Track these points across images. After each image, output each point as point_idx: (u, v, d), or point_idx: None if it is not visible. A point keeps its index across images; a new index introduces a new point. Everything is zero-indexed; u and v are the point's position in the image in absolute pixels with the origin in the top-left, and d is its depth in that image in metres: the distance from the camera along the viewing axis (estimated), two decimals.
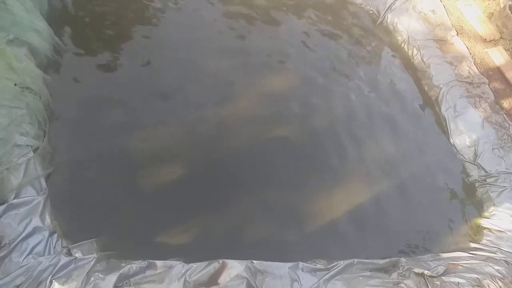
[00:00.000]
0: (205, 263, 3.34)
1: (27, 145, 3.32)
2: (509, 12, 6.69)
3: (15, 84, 3.43)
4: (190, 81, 4.63)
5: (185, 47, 4.93)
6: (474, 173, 5.40)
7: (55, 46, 4.17)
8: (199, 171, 4.03)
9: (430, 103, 6.08)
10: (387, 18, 6.76)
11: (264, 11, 5.88)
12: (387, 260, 4.05)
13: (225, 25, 5.43)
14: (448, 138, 5.73)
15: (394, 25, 6.68)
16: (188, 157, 4.07)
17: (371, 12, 6.81)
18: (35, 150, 3.36)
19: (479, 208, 5.13)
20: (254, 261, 3.48)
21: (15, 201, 3.02)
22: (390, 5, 6.73)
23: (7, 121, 3.25)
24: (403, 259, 4.11)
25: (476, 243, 4.78)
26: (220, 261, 3.36)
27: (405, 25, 6.62)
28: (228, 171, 4.16)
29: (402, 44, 6.59)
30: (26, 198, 3.10)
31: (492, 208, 5.05)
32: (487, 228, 4.90)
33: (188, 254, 3.43)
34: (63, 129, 3.77)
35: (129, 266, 3.12)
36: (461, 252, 4.56)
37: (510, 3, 6.87)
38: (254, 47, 5.37)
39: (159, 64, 4.62)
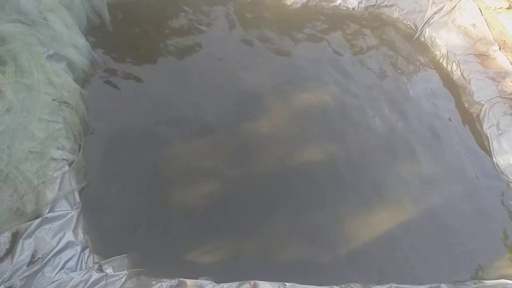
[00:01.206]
0: (236, 283, 3.25)
1: (63, 159, 3.35)
2: None
3: (54, 99, 3.48)
4: (225, 98, 4.61)
5: (221, 65, 4.93)
6: None
7: (92, 62, 4.24)
8: (230, 189, 3.96)
9: (471, 120, 5.81)
10: (425, 32, 6.57)
11: (297, 28, 5.82)
12: (427, 286, 3.84)
13: (258, 43, 5.41)
14: (491, 157, 5.44)
15: (433, 39, 6.48)
16: (220, 175, 4.01)
17: (408, 26, 6.64)
18: (70, 164, 3.39)
19: None
20: (287, 284, 3.36)
21: (49, 215, 3.03)
22: (428, 19, 6.54)
23: (45, 135, 3.30)
24: (444, 285, 3.88)
25: None
26: (252, 282, 3.26)
27: (444, 39, 6.41)
28: (260, 190, 4.07)
29: (441, 60, 6.37)
30: (60, 212, 3.11)
31: None
32: None
33: (219, 274, 3.35)
34: (97, 144, 3.79)
35: (159, 284, 3.07)
36: (505, 280, 4.27)
37: None
38: (287, 64, 5.31)
39: (194, 81, 4.62)
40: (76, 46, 4.02)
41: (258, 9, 5.70)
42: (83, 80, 4.08)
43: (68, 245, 2.99)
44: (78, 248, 3.03)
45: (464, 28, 6.54)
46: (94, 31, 4.55)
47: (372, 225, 4.21)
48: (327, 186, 4.36)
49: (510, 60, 6.31)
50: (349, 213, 4.22)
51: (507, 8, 7.02)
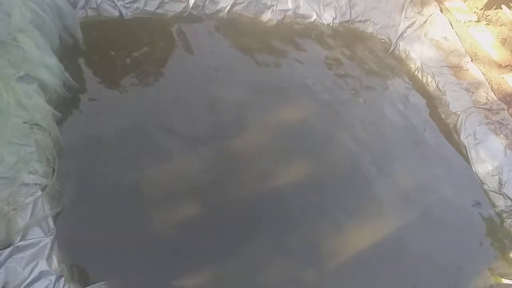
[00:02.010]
0: None
1: (35, 184, 3.18)
2: None
3: (25, 122, 3.34)
4: (204, 115, 4.54)
5: (196, 81, 4.86)
6: (501, 203, 5.16)
7: (65, 82, 4.10)
8: (211, 210, 3.85)
9: (448, 130, 5.90)
10: (399, 46, 6.70)
11: (273, 44, 5.84)
12: None
13: (235, 59, 5.39)
14: (470, 167, 5.51)
15: (407, 53, 6.61)
16: (201, 196, 3.90)
17: (382, 41, 6.77)
18: (43, 189, 3.23)
19: (509, 240, 4.84)
20: None
21: (21, 243, 2.85)
22: (402, 33, 6.69)
23: (15, 159, 3.14)
24: None
25: (508, 278, 4.47)
26: None
27: (418, 52, 6.55)
28: (242, 210, 3.97)
29: (416, 72, 6.49)
30: (32, 240, 2.94)
31: None
32: None
33: None
34: (72, 166, 3.65)
35: None
36: None
37: None
38: (267, 80, 5.30)
39: (171, 99, 4.54)
40: (48, 66, 3.88)
41: (235, 27, 5.69)
42: (56, 102, 3.93)
43: (41, 275, 2.81)
44: (53, 278, 2.85)
45: (436, 41, 6.69)
46: (67, 51, 4.42)
47: (356, 241, 4.17)
48: (310, 204, 4.30)
49: (482, 71, 6.47)
50: (333, 230, 4.17)
51: (476, 21, 7.25)
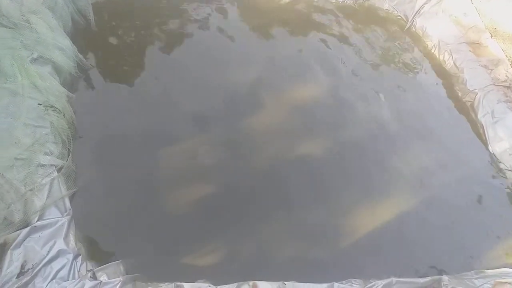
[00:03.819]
0: (235, 284, 3.17)
1: (51, 165, 3.24)
2: None
3: (39, 104, 3.38)
4: (216, 96, 4.53)
5: (209, 64, 4.83)
6: None
7: (79, 64, 4.13)
8: (226, 189, 3.88)
9: (465, 109, 5.77)
10: (416, 23, 6.52)
11: (287, 22, 5.74)
12: (429, 278, 3.77)
13: (249, 38, 5.32)
14: (487, 146, 5.40)
15: (424, 29, 6.43)
16: (215, 175, 3.93)
17: (399, 17, 6.58)
18: (59, 170, 3.29)
19: None
20: (286, 282, 3.28)
21: (38, 223, 2.93)
22: (419, 9, 6.49)
23: (31, 141, 3.19)
24: (445, 277, 3.81)
25: None
26: (251, 282, 3.19)
27: (435, 29, 6.37)
28: (256, 189, 4.00)
29: (433, 49, 6.33)
30: (50, 219, 3.01)
31: None
32: None
33: (217, 276, 3.26)
34: (87, 148, 3.70)
35: None
36: (508, 269, 4.22)
37: None
38: (281, 59, 5.23)
39: (183, 80, 4.53)
40: (61, 48, 3.90)
41: (249, 4, 5.60)
42: (70, 83, 3.97)
43: (59, 254, 2.89)
44: (70, 256, 2.93)
45: (455, 17, 6.49)
46: (80, 33, 4.43)
47: (372, 219, 4.15)
48: (324, 182, 4.29)
49: (502, 48, 6.27)
50: (348, 208, 4.16)
51: None
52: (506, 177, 5.16)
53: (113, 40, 4.62)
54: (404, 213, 4.34)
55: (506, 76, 5.84)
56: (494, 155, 5.35)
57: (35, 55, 3.66)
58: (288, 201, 4.02)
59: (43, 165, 3.18)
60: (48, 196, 3.09)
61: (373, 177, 4.50)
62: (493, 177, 5.17)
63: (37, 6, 3.88)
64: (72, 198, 3.33)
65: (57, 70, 3.85)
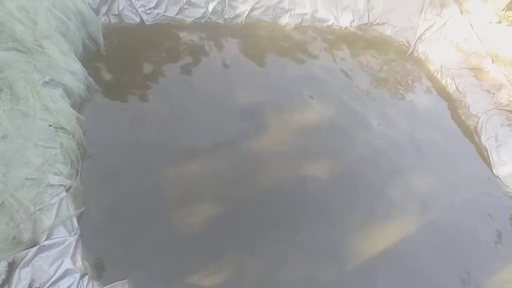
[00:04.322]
0: None
1: (60, 185, 3.29)
2: None
3: (50, 125, 3.46)
4: (224, 117, 4.62)
5: (216, 84, 4.94)
6: None
7: (89, 86, 4.24)
8: (231, 209, 3.91)
9: (469, 132, 5.82)
10: (418, 48, 6.66)
11: (291, 47, 5.88)
12: None
13: (254, 62, 5.45)
14: (491, 168, 5.42)
15: (426, 55, 6.56)
16: (221, 196, 3.97)
17: (401, 43, 6.72)
18: (67, 190, 3.34)
19: None
20: None
21: (46, 242, 2.96)
22: (420, 35, 6.64)
23: (41, 161, 3.26)
24: None
25: None
26: None
27: (437, 54, 6.50)
28: (263, 209, 4.03)
29: (435, 74, 6.43)
30: (58, 239, 3.04)
31: None
32: None
33: None
34: (95, 168, 3.75)
35: None
36: None
37: None
38: (284, 82, 5.34)
39: (191, 103, 4.63)
40: (72, 72, 4.01)
41: (253, 31, 5.76)
42: (79, 105, 4.06)
43: (66, 273, 2.91)
44: (77, 276, 2.94)
45: (456, 43, 6.62)
46: (90, 56, 4.56)
47: (377, 240, 4.15)
48: (329, 203, 4.32)
49: (504, 73, 6.36)
50: (353, 229, 4.17)
51: (497, 22, 7.13)
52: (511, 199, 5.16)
53: (121, 64, 4.74)
54: (410, 236, 4.34)
55: (509, 100, 5.91)
56: (499, 178, 5.36)
57: (47, 78, 3.76)
58: (294, 221, 4.04)
59: (52, 185, 3.23)
60: (56, 216, 3.13)
61: (377, 201, 4.52)
62: (499, 199, 5.17)
63: (50, 32, 4.01)
64: (79, 217, 3.36)
65: (68, 92, 3.95)
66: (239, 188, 4.08)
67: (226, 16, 5.64)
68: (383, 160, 4.93)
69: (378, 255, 4.06)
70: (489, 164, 5.46)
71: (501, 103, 5.88)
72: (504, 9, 7.29)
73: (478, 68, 6.37)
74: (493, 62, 6.48)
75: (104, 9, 4.91)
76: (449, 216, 4.72)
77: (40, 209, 3.07)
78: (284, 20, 6.02)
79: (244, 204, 3.98)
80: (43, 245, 2.93)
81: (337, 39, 6.31)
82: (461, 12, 6.98)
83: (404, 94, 5.96)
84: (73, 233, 3.18)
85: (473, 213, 4.91)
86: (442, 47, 6.56)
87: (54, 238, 3.03)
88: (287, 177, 4.36)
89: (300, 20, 6.10)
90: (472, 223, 4.81)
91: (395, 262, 4.11)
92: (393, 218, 4.42)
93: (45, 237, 2.99)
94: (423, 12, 6.84)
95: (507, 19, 7.24)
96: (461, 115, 6.00)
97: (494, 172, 5.41)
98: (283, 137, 4.71)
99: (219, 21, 5.63)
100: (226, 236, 3.71)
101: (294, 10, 6.00)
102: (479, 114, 5.77)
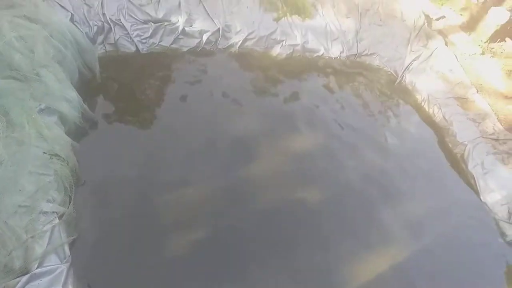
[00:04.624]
0: None
1: (53, 212, 3.30)
2: None
3: (44, 152, 3.49)
4: (216, 145, 4.69)
5: (210, 112, 5.04)
6: (510, 233, 5.11)
7: (84, 114, 4.30)
8: (223, 235, 3.94)
9: (456, 160, 5.94)
10: (406, 78, 6.85)
11: (282, 77, 6.04)
12: None
13: (247, 91, 5.58)
14: (479, 196, 5.52)
15: (413, 84, 6.75)
16: (214, 222, 3.99)
17: (389, 73, 6.93)
18: (60, 217, 3.34)
19: None
20: None
21: (38, 270, 2.94)
22: (408, 66, 6.86)
23: (35, 188, 3.27)
24: None
25: None
26: None
27: (424, 84, 6.69)
28: (255, 236, 4.05)
29: (422, 103, 6.61)
30: (49, 267, 3.02)
31: None
32: None
33: None
34: (88, 195, 3.77)
35: None
36: None
37: None
38: (276, 110, 5.45)
39: (184, 132, 4.71)
40: (68, 99, 4.08)
41: (246, 61, 5.91)
42: (74, 133, 4.11)
43: None
44: None
45: (442, 73, 6.83)
46: (86, 84, 4.64)
47: (370, 266, 4.17)
48: (321, 230, 4.35)
49: (488, 102, 6.56)
50: (347, 255, 4.19)
51: (480, 54, 7.40)
52: (499, 227, 5.24)
53: (116, 92, 4.83)
54: (401, 263, 4.36)
55: (493, 129, 6.08)
56: (487, 204, 5.45)
57: (42, 106, 3.82)
58: (286, 248, 4.06)
59: (45, 212, 3.24)
60: (48, 243, 3.12)
61: (363, 229, 4.56)
62: (487, 226, 5.24)
63: (47, 61, 4.08)
64: (72, 245, 3.35)
65: (63, 120, 4.00)
66: (232, 216, 4.10)
67: (220, 46, 5.80)
68: (373, 187, 5.00)
69: (374, 281, 4.08)
70: (476, 192, 5.55)
71: (487, 132, 6.04)
72: (487, 41, 7.59)
73: (463, 98, 6.56)
74: (477, 92, 6.69)
75: (100, 38, 5.04)
76: (440, 243, 4.76)
77: (32, 237, 3.07)
78: (276, 50, 6.20)
79: (236, 232, 4.00)
80: (35, 273, 2.92)
81: (327, 69, 6.48)
82: (446, 44, 7.24)
83: (393, 122, 6.10)
84: (64, 260, 3.16)
85: (464, 241, 4.95)
86: (429, 77, 6.77)
87: (46, 266, 3.01)
88: (279, 203, 4.40)
89: (291, 51, 6.28)
90: (463, 251, 4.85)
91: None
92: (385, 245, 4.45)
93: (36, 265, 2.98)
94: (410, 43, 7.08)
95: (490, 51, 7.53)
96: (449, 143, 6.14)
97: (482, 199, 5.49)
98: (275, 164, 4.77)
99: (213, 51, 5.79)
100: (219, 264, 3.71)
101: (286, 41, 6.20)
102: (466, 143, 5.91)
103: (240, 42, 5.89)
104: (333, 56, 6.60)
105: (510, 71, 7.17)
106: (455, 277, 4.52)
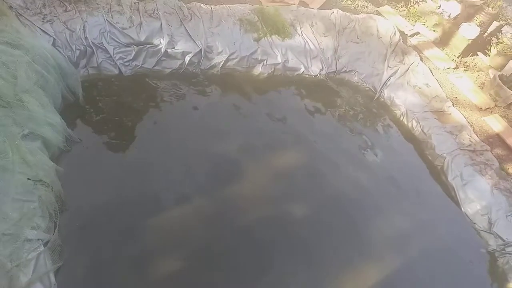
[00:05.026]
0: None
1: (38, 239, 3.26)
2: (499, 81, 6.98)
3: (29, 179, 3.46)
4: (200, 167, 4.72)
5: (193, 134, 5.08)
6: (492, 242, 5.25)
7: (68, 138, 4.28)
8: (209, 256, 3.96)
9: (436, 172, 6.10)
10: (384, 93, 7.02)
11: (264, 96, 6.15)
12: None
13: (230, 111, 5.65)
14: (459, 207, 5.66)
15: (392, 99, 6.92)
16: (201, 243, 4.01)
17: (367, 89, 7.10)
18: (45, 244, 3.30)
19: (503, 279, 4.91)
20: None
21: None
22: (385, 81, 7.04)
23: (19, 215, 3.23)
24: None
25: None
26: None
27: (402, 99, 6.87)
28: (242, 257, 4.08)
29: (401, 118, 6.78)
30: None
31: None
32: None
33: None
34: (73, 221, 3.73)
35: None
36: None
37: (499, 73, 7.19)
38: (259, 128, 5.53)
39: (169, 153, 4.73)
40: (51, 124, 4.07)
41: (228, 81, 6.00)
42: (58, 157, 4.09)
43: None
44: None
45: (419, 87, 7.04)
46: (69, 108, 4.64)
47: (354, 283, 4.22)
48: (308, 248, 4.40)
49: (464, 115, 6.78)
50: (333, 272, 4.24)
51: (454, 68, 7.67)
52: (481, 237, 5.37)
53: (100, 115, 4.82)
54: (384, 277, 4.43)
55: (470, 141, 6.27)
56: (467, 215, 5.59)
57: (26, 131, 3.79)
58: (273, 268, 4.09)
59: (29, 240, 3.20)
60: (33, 271, 3.08)
61: (348, 245, 4.63)
62: (469, 235, 5.37)
63: (30, 86, 4.08)
64: (57, 272, 3.31)
65: (47, 144, 3.98)
66: (220, 235, 4.14)
67: (202, 67, 5.87)
68: (355, 202, 5.10)
69: None
70: (457, 202, 5.69)
71: (464, 144, 6.23)
72: (459, 55, 7.89)
73: (440, 111, 6.76)
74: (453, 105, 6.92)
75: (83, 62, 5.05)
76: (424, 256, 4.86)
77: (17, 265, 3.02)
78: (258, 69, 6.31)
79: (223, 253, 4.03)
80: None
81: (307, 86, 6.62)
82: (421, 59, 7.49)
83: (373, 138, 6.24)
84: None
85: (447, 252, 5.06)
86: (406, 92, 6.96)
87: None
88: (265, 222, 4.44)
89: (272, 70, 6.40)
90: (446, 262, 4.94)
91: None
92: (371, 259, 4.52)
93: None
94: (387, 59, 7.29)
95: (463, 65, 7.82)
96: (428, 156, 6.30)
97: (463, 210, 5.63)
98: (259, 181, 4.83)
99: (195, 72, 5.85)
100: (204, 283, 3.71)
101: (267, 61, 6.31)
102: (445, 155, 6.07)
103: (222, 62, 5.97)
104: (313, 74, 6.73)
105: (483, 84, 7.45)
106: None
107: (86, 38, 5.05)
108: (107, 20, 5.22)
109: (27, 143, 3.71)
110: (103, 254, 3.65)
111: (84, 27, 5.08)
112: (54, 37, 4.78)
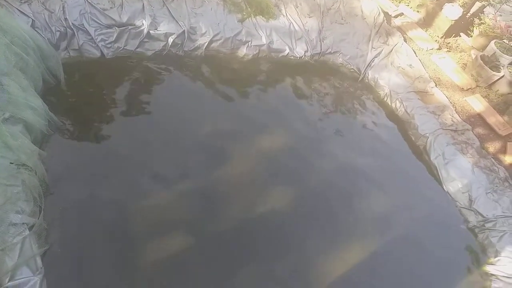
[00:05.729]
0: None
1: (23, 223, 3.23)
2: (481, 62, 7.08)
3: (11, 163, 3.40)
4: (185, 151, 4.71)
5: (177, 118, 5.04)
6: (472, 219, 5.41)
7: (50, 122, 4.21)
8: (198, 243, 3.97)
9: (419, 152, 6.21)
10: (368, 74, 7.07)
11: (249, 78, 6.12)
12: None
13: (215, 93, 5.61)
14: (442, 186, 5.79)
15: (376, 80, 6.97)
16: (187, 230, 4.02)
17: (352, 70, 7.13)
18: (30, 228, 3.28)
19: (483, 254, 5.08)
20: None
21: (10, 284, 2.89)
22: (370, 62, 7.08)
23: (3, 200, 3.19)
24: None
25: None
26: None
27: (386, 80, 6.92)
28: (229, 241, 4.11)
29: (385, 98, 6.84)
30: (21, 279, 2.98)
31: (495, 253, 5.01)
32: (494, 275, 4.83)
33: None
34: (58, 204, 3.70)
35: None
36: None
37: (481, 54, 7.29)
38: (243, 111, 5.52)
39: (153, 137, 4.69)
40: (33, 107, 3.98)
41: (212, 62, 5.94)
42: (41, 141, 4.03)
43: None
44: None
45: (402, 68, 7.11)
46: (51, 91, 4.55)
47: (342, 262, 4.31)
48: (293, 230, 4.47)
49: (446, 95, 6.88)
50: (319, 253, 4.31)
51: (437, 49, 7.74)
52: (462, 214, 5.52)
53: (82, 98, 4.74)
54: (373, 254, 4.54)
55: (452, 120, 6.39)
56: (449, 193, 5.73)
57: (6, 115, 3.70)
58: (260, 252, 4.16)
59: (14, 224, 3.17)
60: (19, 255, 3.06)
61: (337, 224, 4.73)
62: (451, 213, 5.52)
63: (9, 69, 3.97)
64: (43, 256, 3.30)
65: (28, 128, 3.90)
66: (205, 222, 4.15)
67: (186, 49, 5.79)
68: (341, 184, 5.17)
69: (345, 278, 4.22)
70: (439, 181, 5.82)
71: (446, 123, 6.34)
72: (442, 36, 7.96)
73: (423, 92, 6.85)
74: (436, 85, 7.01)
75: (64, 44, 4.93)
76: (408, 234, 4.98)
77: (2, 250, 3.00)
78: (242, 51, 6.26)
79: (210, 237, 4.05)
80: (7, 287, 2.86)
81: (292, 68, 6.61)
82: (405, 40, 7.53)
83: (357, 119, 6.30)
84: (37, 272, 3.12)
85: (429, 229, 5.19)
86: (390, 73, 7.02)
87: (18, 279, 2.97)
88: (251, 207, 4.47)
89: (257, 51, 6.36)
90: (430, 239, 5.08)
91: (362, 280, 4.29)
92: (358, 240, 4.62)
93: (8, 278, 2.92)
94: (371, 40, 7.32)
95: (446, 45, 7.90)
96: (411, 136, 6.40)
97: (445, 189, 5.77)
98: (244, 166, 4.83)
99: (179, 53, 5.77)
100: (193, 273, 3.76)
101: (251, 42, 6.26)
102: (427, 135, 6.18)
103: (206, 43, 5.90)
104: (298, 56, 6.72)
105: (465, 64, 7.55)
106: (424, 264, 4.74)
107: (66, 19, 4.92)
108: (87, 0, 5.09)
109: (8, 126, 3.62)
110: (90, 236, 3.64)
111: (63, 7, 4.94)
112: (33, 18, 4.64)
